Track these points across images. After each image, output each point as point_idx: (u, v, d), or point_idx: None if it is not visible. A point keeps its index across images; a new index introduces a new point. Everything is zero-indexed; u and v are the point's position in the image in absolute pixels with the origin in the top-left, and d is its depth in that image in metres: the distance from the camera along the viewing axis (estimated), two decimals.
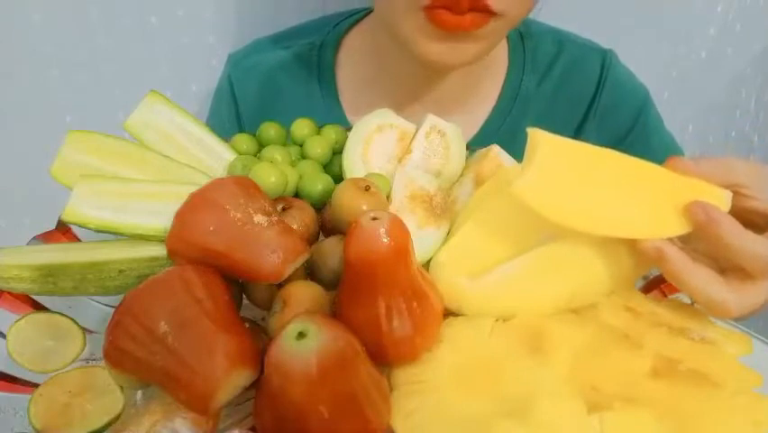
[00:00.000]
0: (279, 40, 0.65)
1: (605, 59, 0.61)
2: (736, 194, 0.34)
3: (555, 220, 0.33)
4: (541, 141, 0.34)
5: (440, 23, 0.43)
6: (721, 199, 0.34)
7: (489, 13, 0.43)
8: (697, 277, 0.32)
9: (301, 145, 0.46)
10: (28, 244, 0.37)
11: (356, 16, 0.64)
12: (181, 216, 0.34)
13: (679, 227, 0.33)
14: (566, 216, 0.33)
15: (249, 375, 0.30)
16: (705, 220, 0.32)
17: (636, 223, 0.34)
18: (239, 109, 0.64)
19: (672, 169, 0.35)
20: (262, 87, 0.63)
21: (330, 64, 0.62)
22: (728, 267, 0.34)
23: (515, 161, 0.43)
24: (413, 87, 0.58)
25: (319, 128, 0.47)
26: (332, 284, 0.35)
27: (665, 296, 0.38)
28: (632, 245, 0.37)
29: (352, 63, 0.62)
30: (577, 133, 0.61)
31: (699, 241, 0.34)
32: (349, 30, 0.63)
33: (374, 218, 0.30)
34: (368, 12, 0.64)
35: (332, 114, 0.61)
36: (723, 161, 0.35)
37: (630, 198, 0.34)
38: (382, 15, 0.50)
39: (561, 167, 0.34)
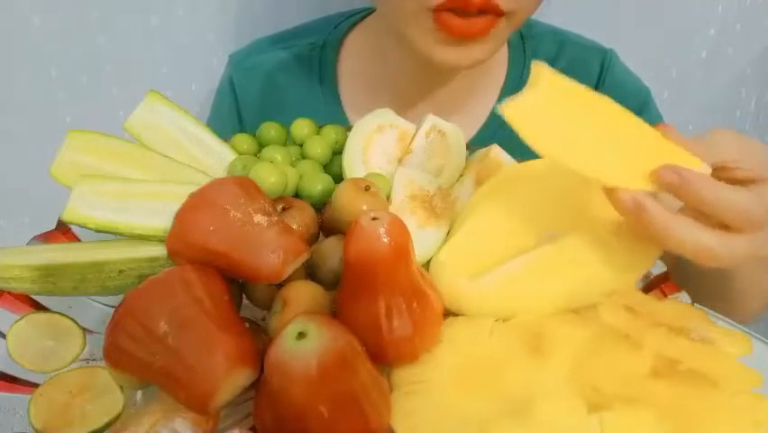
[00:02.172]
0: (280, 40, 0.65)
1: (605, 58, 0.61)
2: (723, 169, 0.33)
3: (535, 146, 0.33)
4: (542, 74, 0.34)
5: (448, 29, 0.43)
6: (699, 168, 0.33)
7: (498, 13, 0.42)
8: (679, 226, 0.31)
9: (301, 145, 0.46)
10: (28, 244, 0.37)
11: (357, 16, 0.64)
12: (181, 216, 0.34)
13: (652, 185, 0.33)
14: (545, 145, 0.33)
15: (249, 375, 0.30)
16: (678, 180, 0.31)
17: (613, 170, 0.33)
18: (240, 110, 0.64)
19: (663, 132, 0.34)
20: (263, 88, 0.63)
21: (331, 64, 0.62)
22: (712, 225, 0.32)
23: (515, 161, 0.43)
24: (414, 89, 0.58)
25: (319, 128, 0.47)
26: (332, 284, 0.35)
27: (665, 296, 0.38)
28: (632, 245, 0.37)
29: (354, 64, 0.62)
30: None
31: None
32: (350, 30, 0.63)
33: (374, 218, 0.30)
34: (369, 12, 0.64)
35: (333, 114, 0.61)
36: (708, 140, 0.34)
37: (613, 145, 0.33)
38: (387, 18, 0.50)
39: (553, 99, 0.34)
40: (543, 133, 0.33)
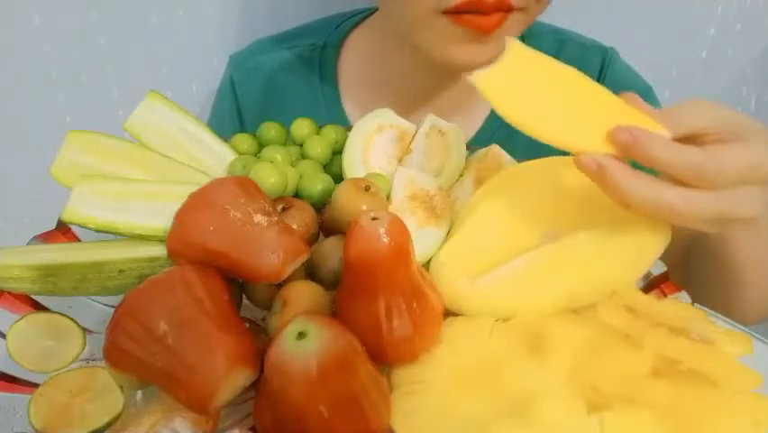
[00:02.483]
0: (281, 40, 0.65)
1: (605, 57, 0.61)
2: (693, 138, 0.33)
3: (503, 115, 0.34)
4: (513, 47, 0.36)
5: (467, 24, 0.43)
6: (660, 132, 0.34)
7: (510, 10, 0.43)
8: (640, 183, 0.31)
9: (301, 145, 0.46)
10: (28, 244, 0.37)
11: (358, 17, 0.64)
12: (181, 217, 0.34)
13: (610, 146, 0.33)
14: (513, 114, 0.34)
15: (249, 375, 0.30)
16: (630, 140, 0.31)
17: (578, 137, 0.33)
18: (241, 110, 0.64)
19: (627, 100, 0.35)
20: (264, 89, 0.63)
21: (332, 65, 0.62)
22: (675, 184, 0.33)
23: (515, 161, 0.43)
24: (415, 89, 0.58)
25: (319, 128, 0.47)
26: (332, 284, 0.35)
27: (665, 296, 0.38)
28: (632, 245, 0.37)
29: (355, 64, 0.62)
30: None
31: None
32: (351, 31, 0.63)
33: (374, 218, 0.30)
34: (370, 12, 0.64)
35: (333, 115, 0.61)
36: (677, 110, 0.34)
37: (578, 113, 0.34)
38: (395, 21, 0.50)
39: (523, 70, 0.35)
40: (511, 101, 0.34)
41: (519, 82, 0.35)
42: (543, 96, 0.35)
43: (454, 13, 0.42)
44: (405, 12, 0.46)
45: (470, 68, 0.47)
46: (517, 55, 0.35)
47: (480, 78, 0.34)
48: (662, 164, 0.31)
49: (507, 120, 0.34)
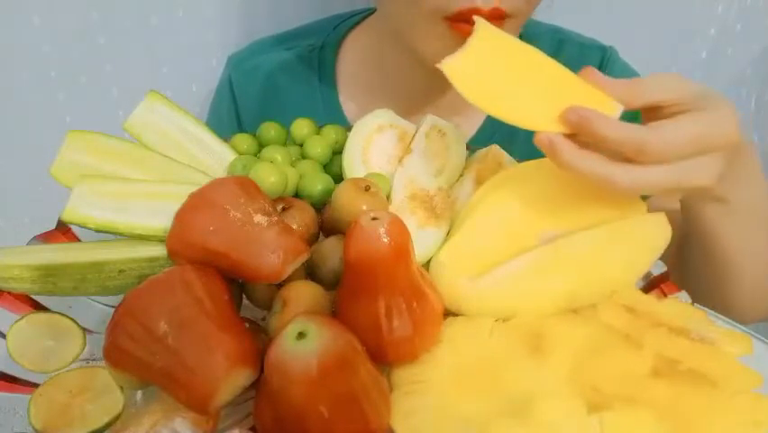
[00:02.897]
0: (280, 41, 0.65)
1: (604, 56, 0.61)
2: (658, 109, 0.35)
3: (467, 97, 0.36)
4: (481, 27, 0.38)
5: (464, 32, 0.43)
6: (613, 110, 0.35)
7: (502, 17, 0.43)
8: (583, 158, 0.33)
9: (301, 145, 0.46)
10: (28, 244, 0.37)
11: (356, 17, 0.64)
12: (181, 217, 0.34)
13: (563, 125, 0.35)
14: (476, 97, 0.36)
15: (249, 375, 0.30)
16: (578, 119, 0.34)
17: (537, 116, 0.35)
18: (239, 111, 0.64)
19: (584, 77, 0.36)
20: (263, 89, 0.63)
21: (330, 66, 0.62)
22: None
23: (515, 161, 0.43)
24: (414, 90, 0.58)
25: (319, 128, 0.47)
26: (332, 284, 0.35)
27: (665, 296, 0.38)
28: (632, 244, 0.37)
29: (353, 66, 0.62)
30: None
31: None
32: (349, 32, 0.63)
33: (374, 218, 0.30)
34: (368, 13, 0.64)
35: (332, 116, 0.61)
36: (635, 82, 0.36)
37: (539, 94, 0.36)
38: (395, 23, 0.50)
39: (487, 54, 0.37)
40: (476, 85, 0.36)
41: (484, 65, 0.37)
42: (506, 77, 0.37)
43: (451, 20, 0.43)
44: (403, 15, 0.46)
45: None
46: (485, 37, 0.37)
47: (447, 66, 0.36)
48: (606, 141, 0.33)
49: (472, 102, 0.36)
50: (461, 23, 0.42)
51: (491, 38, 0.38)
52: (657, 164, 0.33)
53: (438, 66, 0.36)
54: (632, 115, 0.36)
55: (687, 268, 0.49)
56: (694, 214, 0.43)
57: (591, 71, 0.36)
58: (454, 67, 0.36)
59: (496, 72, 0.37)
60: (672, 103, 0.34)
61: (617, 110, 0.35)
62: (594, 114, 0.33)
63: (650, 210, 0.38)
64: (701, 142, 0.33)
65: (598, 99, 0.35)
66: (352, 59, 0.62)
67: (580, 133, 0.34)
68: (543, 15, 0.59)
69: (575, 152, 0.34)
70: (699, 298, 0.37)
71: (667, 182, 0.33)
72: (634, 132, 0.33)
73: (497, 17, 0.42)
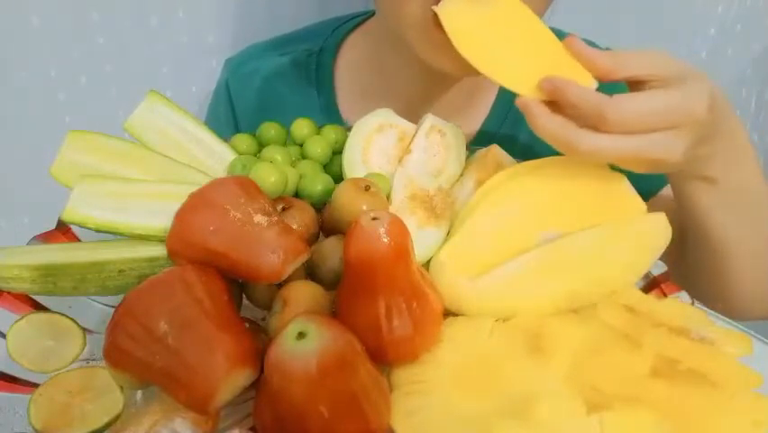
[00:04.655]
0: (277, 45, 0.65)
1: None
2: (638, 83, 0.36)
3: (459, 48, 0.38)
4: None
5: None
6: (589, 82, 0.37)
7: None
8: (552, 121, 0.35)
9: (301, 145, 0.46)
10: (28, 244, 0.37)
11: (353, 21, 0.64)
12: (181, 216, 0.34)
13: (540, 92, 0.37)
14: (467, 49, 0.38)
15: (249, 375, 0.30)
16: (552, 88, 0.36)
17: (520, 80, 0.37)
18: (236, 116, 0.64)
19: (567, 47, 0.37)
20: (260, 95, 0.63)
21: (328, 71, 0.61)
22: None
23: (515, 161, 0.43)
24: (412, 93, 0.58)
25: (319, 128, 0.47)
26: (332, 284, 0.35)
27: (665, 296, 0.38)
28: (632, 244, 0.37)
29: (351, 70, 0.62)
30: None
31: None
32: (347, 35, 0.63)
33: (374, 218, 0.30)
34: (365, 17, 0.64)
35: (330, 120, 0.60)
36: (616, 54, 0.37)
37: (526, 59, 0.38)
38: (390, 25, 0.49)
39: (488, 11, 0.39)
40: (467, 37, 0.38)
41: (480, 19, 0.39)
42: (498, 36, 0.39)
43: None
44: (400, 16, 0.46)
45: (462, 75, 0.48)
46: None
47: (444, 9, 0.38)
48: (574, 107, 0.35)
49: (460, 52, 0.38)
50: None
51: (500, 3, 0.39)
52: (619, 134, 0.34)
53: (434, 8, 0.38)
54: (616, 87, 0.37)
55: (685, 261, 0.49)
56: (685, 197, 0.44)
57: (573, 41, 0.37)
58: (450, 12, 0.38)
59: (489, 29, 0.39)
60: (654, 78, 0.36)
61: (591, 82, 0.37)
62: (565, 83, 0.35)
63: (651, 207, 0.38)
64: (664, 116, 0.34)
65: (576, 70, 0.37)
66: (351, 63, 0.62)
67: (554, 99, 0.36)
68: (542, 16, 0.59)
69: (546, 115, 0.36)
70: (698, 291, 0.37)
71: (627, 151, 0.34)
72: (595, 99, 0.34)
73: None
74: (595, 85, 0.37)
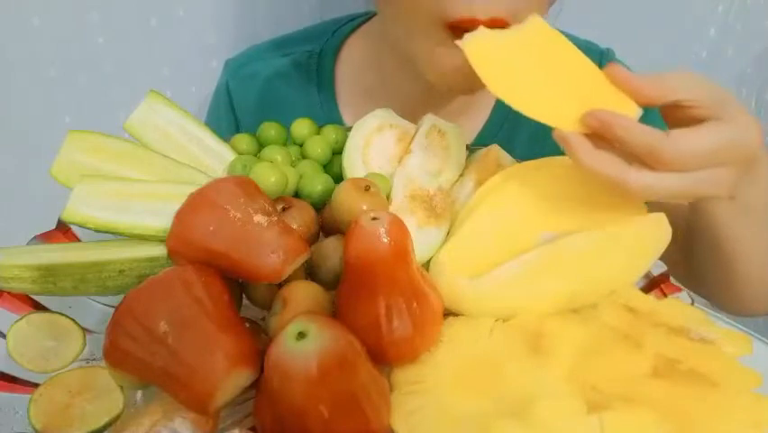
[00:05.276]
0: (278, 46, 0.65)
1: (602, 57, 0.61)
2: (678, 108, 0.35)
3: (488, 84, 0.35)
4: (535, 22, 0.38)
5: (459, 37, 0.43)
6: (632, 111, 0.35)
7: (504, 26, 0.42)
8: (598, 159, 0.34)
9: (301, 145, 0.46)
10: (28, 244, 0.37)
11: (354, 22, 0.64)
12: (181, 216, 0.34)
13: (583, 126, 0.35)
14: (498, 84, 0.35)
15: (249, 375, 0.30)
16: (597, 124, 0.34)
17: (557, 113, 0.35)
18: (237, 118, 0.64)
19: (608, 75, 0.36)
20: (261, 97, 0.63)
21: (329, 72, 0.61)
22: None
23: (515, 161, 0.43)
24: (412, 95, 0.58)
25: (319, 128, 0.47)
26: (332, 284, 0.35)
27: (665, 296, 0.38)
28: (631, 244, 0.37)
29: (352, 72, 0.62)
30: None
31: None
32: (348, 37, 0.63)
33: (374, 218, 0.31)
34: (365, 18, 0.64)
35: (331, 122, 0.60)
36: (660, 79, 0.35)
37: (561, 89, 0.36)
38: (392, 30, 0.49)
39: (515, 40, 0.37)
40: (496, 70, 0.36)
41: (508, 50, 0.36)
42: (529, 67, 0.36)
43: (451, 27, 0.42)
44: (403, 21, 0.46)
45: (457, 86, 0.48)
46: (528, 29, 0.37)
47: (469, 43, 0.35)
48: (624, 144, 0.33)
49: (489, 88, 0.35)
50: (456, 29, 0.42)
51: (526, 28, 0.37)
52: (671, 172, 0.33)
53: (458, 43, 0.36)
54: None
55: (693, 259, 0.49)
56: (705, 212, 0.43)
57: (616, 69, 0.36)
58: (476, 45, 0.35)
59: (520, 60, 0.36)
60: (697, 105, 0.34)
61: (636, 112, 0.35)
62: (613, 117, 0.34)
63: (651, 207, 0.38)
64: (719, 155, 0.33)
65: (619, 99, 0.35)
66: (351, 64, 0.62)
67: (601, 134, 0.34)
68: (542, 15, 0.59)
69: (590, 152, 0.34)
70: (704, 287, 0.37)
71: (679, 191, 0.33)
72: (651, 138, 0.33)
73: (497, 26, 0.42)
74: (639, 113, 0.35)
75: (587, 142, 0.34)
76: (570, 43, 0.37)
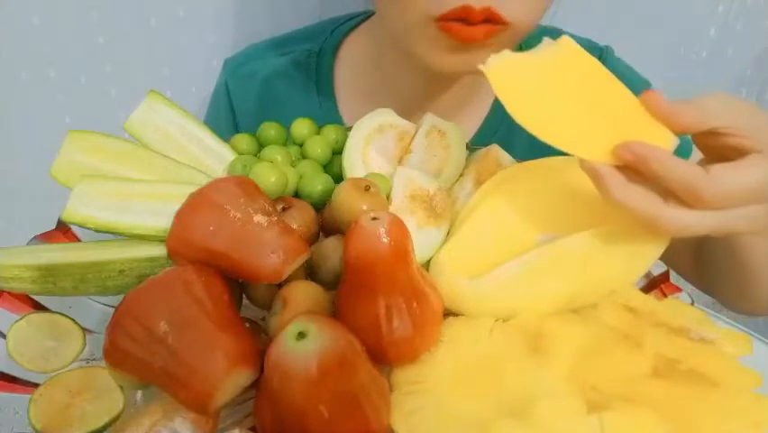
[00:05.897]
0: (276, 45, 0.65)
1: (601, 55, 0.61)
2: (715, 135, 0.33)
3: (510, 111, 0.33)
4: (546, 42, 0.35)
5: (453, 33, 0.42)
6: (668, 142, 0.33)
7: (501, 23, 0.42)
8: (631, 195, 0.32)
9: (301, 145, 0.46)
10: (28, 244, 0.37)
11: (353, 21, 0.64)
12: (181, 216, 0.34)
13: (615, 159, 0.33)
14: (520, 112, 0.33)
15: (249, 375, 0.30)
16: (632, 158, 0.32)
17: (586, 144, 0.33)
18: (236, 117, 0.64)
19: (644, 102, 0.34)
20: (260, 96, 0.63)
21: (328, 72, 0.61)
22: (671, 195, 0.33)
23: (515, 161, 0.43)
24: (411, 94, 0.58)
25: (319, 128, 0.47)
26: (332, 284, 0.35)
27: (665, 296, 0.38)
28: (631, 244, 0.37)
29: (351, 71, 0.62)
30: None
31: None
32: (347, 35, 0.63)
33: (374, 218, 0.30)
34: (364, 17, 0.64)
35: (330, 121, 0.60)
36: (698, 105, 0.33)
37: (591, 119, 0.34)
38: (389, 26, 0.50)
39: (539, 65, 0.34)
40: (519, 97, 0.33)
41: (531, 78, 0.34)
42: (556, 94, 0.34)
43: (444, 20, 0.42)
44: (399, 17, 0.46)
45: (455, 74, 0.47)
46: (543, 46, 0.34)
47: (491, 68, 0.33)
48: (662, 180, 0.32)
49: (513, 117, 0.33)
50: (451, 23, 0.42)
51: (555, 44, 0.35)
52: (704, 210, 0.32)
53: (481, 68, 0.33)
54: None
55: (704, 263, 0.49)
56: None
57: (653, 96, 0.34)
58: (499, 69, 0.33)
59: (546, 85, 0.34)
60: (731, 132, 0.33)
61: (672, 143, 0.33)
62: (649, 151, 0.32)
63: None
64: (760, 193, 0.32)
65: (653, 128, 0.33)
66: (350, 63, 0.62)
67: (635, 168, 0.32)
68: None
69: (622, 185, 0.32)
70: (714, 287, 0.36)
71: (714, 228, 0.32)
72: (691, 174, 0.31)
73: (491, 20, 0.42)
74: (676, 144, 0.33)
75: (618, 175, 0.32)
76: (602, 66, 0.35)
